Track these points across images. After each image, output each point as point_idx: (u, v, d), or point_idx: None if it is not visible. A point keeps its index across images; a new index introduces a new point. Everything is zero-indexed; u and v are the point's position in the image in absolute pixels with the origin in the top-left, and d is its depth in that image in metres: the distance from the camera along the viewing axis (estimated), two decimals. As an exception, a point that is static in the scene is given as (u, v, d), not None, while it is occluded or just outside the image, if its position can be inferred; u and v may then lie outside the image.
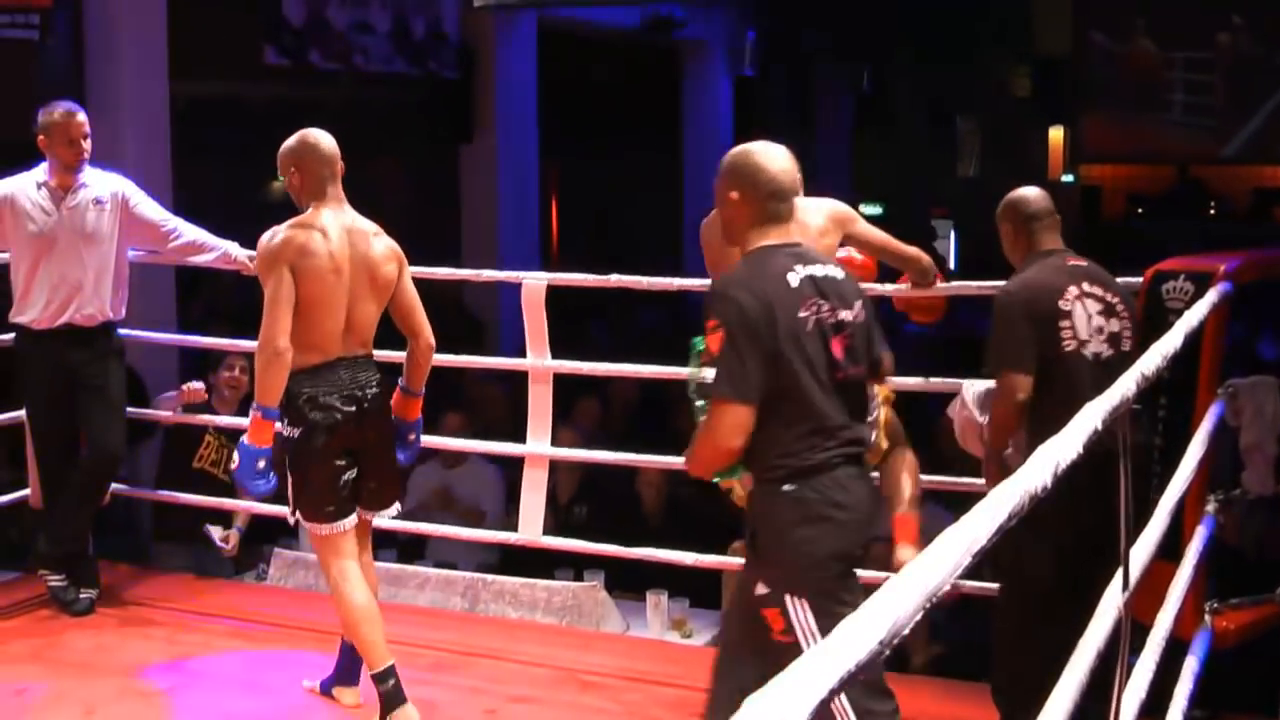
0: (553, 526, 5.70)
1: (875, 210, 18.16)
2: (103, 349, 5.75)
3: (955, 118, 20.15)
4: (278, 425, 4.46)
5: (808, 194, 4.10)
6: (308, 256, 4.45)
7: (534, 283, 5.65)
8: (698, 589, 6.24)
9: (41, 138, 5.66)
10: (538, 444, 5.72)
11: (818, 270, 3.60)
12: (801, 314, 3.51)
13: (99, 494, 5.84)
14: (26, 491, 6.16)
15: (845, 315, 3.61)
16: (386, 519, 4.81)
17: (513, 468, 6.56)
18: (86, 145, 5.68)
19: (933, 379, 5.14)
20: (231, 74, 11.38)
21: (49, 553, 5.89)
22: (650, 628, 6.11)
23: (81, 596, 5.85)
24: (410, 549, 7.09)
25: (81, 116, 5.67)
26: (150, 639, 5.50)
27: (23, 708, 4.94)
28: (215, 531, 6.42)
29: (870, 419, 3.85)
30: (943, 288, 5.03)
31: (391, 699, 4.51)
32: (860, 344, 3.66)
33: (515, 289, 5.72)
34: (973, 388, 4.63)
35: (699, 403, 3.71)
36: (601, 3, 14.66)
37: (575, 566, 6.51)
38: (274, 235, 4.50)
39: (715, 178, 3.71)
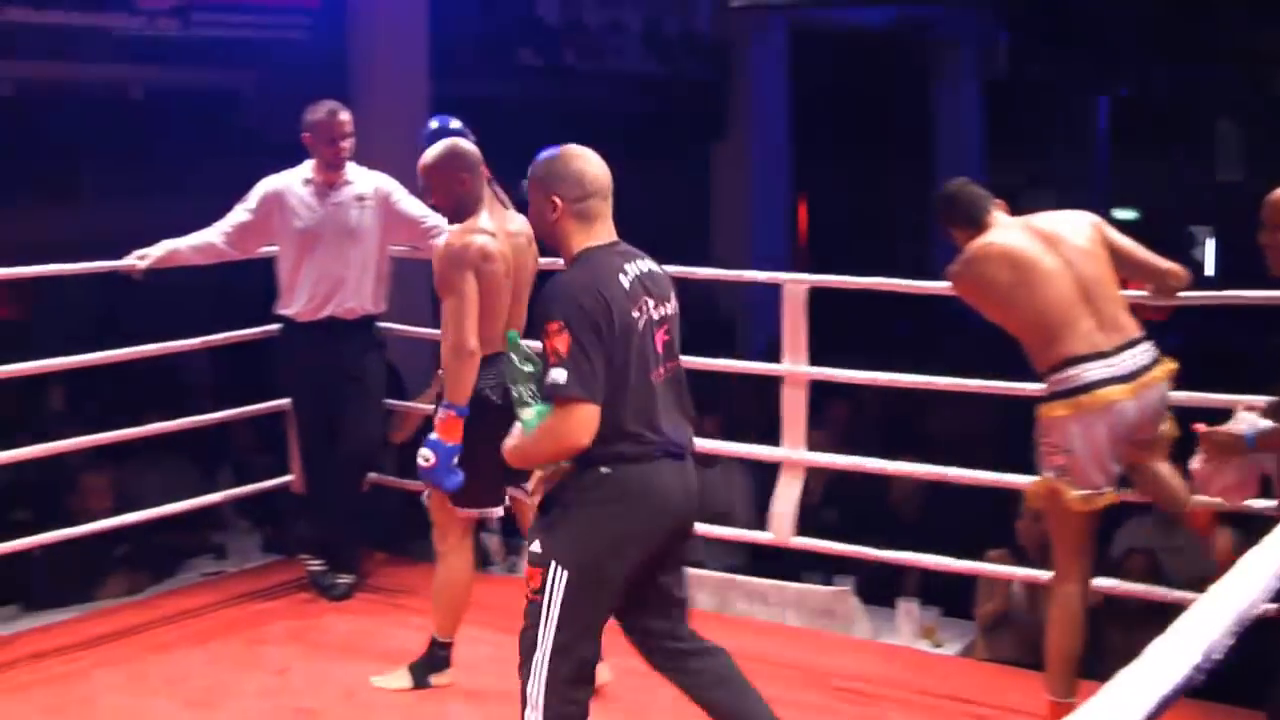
0: (801, 529, 5.63)
1: (1131, 216, 17.69)
2: (363, 342, 5.87)
3: (1216, 120, 19.50)
4: (436, 447, 4.65)
5: (1060, 203, 3.99)
6: (489, 261, 4.67)
7: (795, 285, 5.58)
8: (950, 598, 6.13)
9: (307, 135, 5.81)
10: (793, 449, 5.66)
11: (643, 267, 3.68)
12: (634, 314, 3.59)
13: (358, 482, 5.97)
14: (289, 477, 6.34)
15: (666, 310, 3.71)
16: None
17: (761, 469, 6.53)
18: (349, 144, 5.80)
19: (1193, 394, 4.86)
20: (487, 74, 11.54)
21: (309, 538, 6.06)
22: (900, 635, 6.03)
23: (340, 582, 5.99)
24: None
25: (345, 115, 5.80)
26: (407, 626, 5.60)
27: (285, 688, 5.08)
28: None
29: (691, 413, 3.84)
30: (1189, 297, 4.77)
31: (439, 664, 4.99)
32: (676, 337, 3.76)
33: (765, 291, 5.68)
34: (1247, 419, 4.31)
35: (527, 397, 3.68)
36: (854, 4, 14.53)
37: (824, 570, 6.46)
38: (457, 243, 4.67)
39: (529, 185, 3.72)
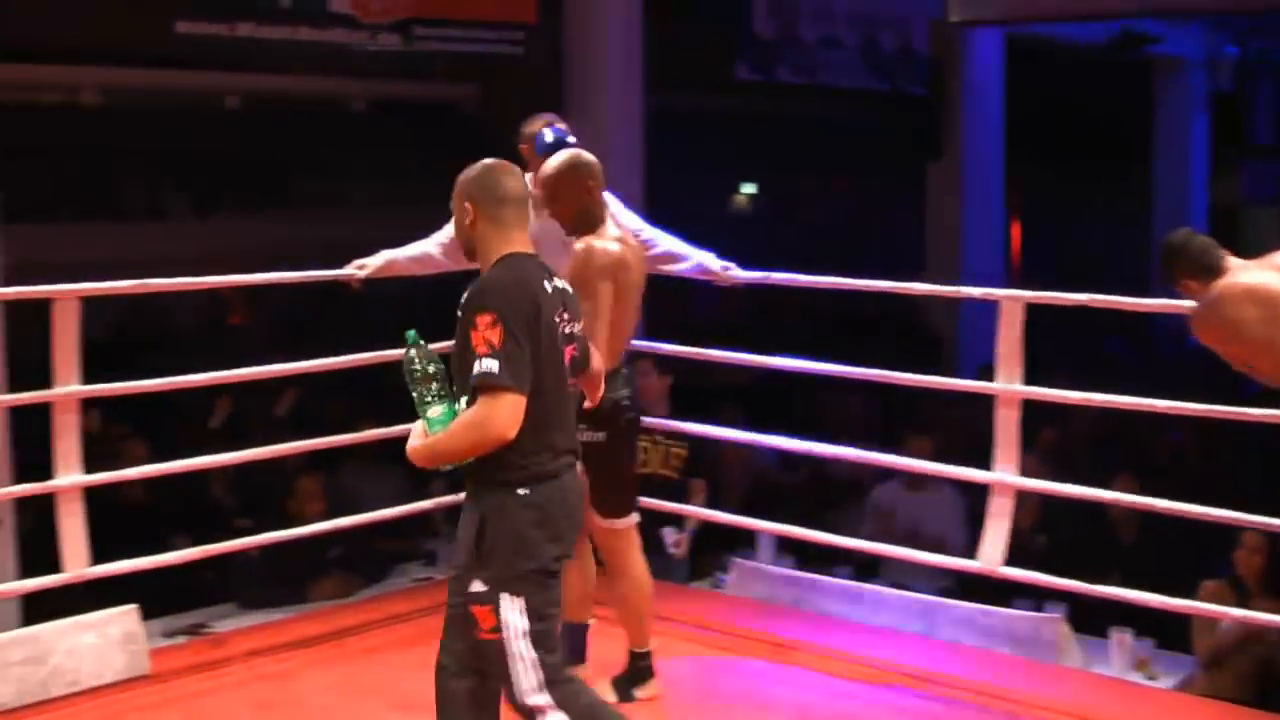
0: (1011, 554, 5.50)
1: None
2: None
3: None
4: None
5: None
6: (624, 270, 4.74)
7: (1013, 301, 5.48)
8: (1165, 629, 5.96)
9: (524, 147, 5.85)
10: (1005, 473, 5.53)
11: (558, 284, 3.76)
12: (555, 320, 3.68)
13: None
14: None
15: (575, 328, 3.79)
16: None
17: (971, 491, 6.42)
18: (564, 155, 5.84)
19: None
20: (703, 87, 11.57)
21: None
22: (1112, 666, 5.88)
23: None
24: (864, 568, 7.03)
25: (562, 127, 5.84)
26: (610, 637, 5.60)
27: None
28: (668, 534, 6.52)
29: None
30: None
31: (642, 675, 5.01)
32: (581, 357, 3.85)
33: (976, 308, 5.56)
34: None
35: (429, 397, 3.67)
36: (1075, 19, 14.26)
37: (1034, 596, 6.32)
38: (599, 248, 4.71)
39: (453, 197, 3.78)
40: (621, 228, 4.96)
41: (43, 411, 5.16)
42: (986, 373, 5.79)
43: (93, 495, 5.30)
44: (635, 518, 4.98)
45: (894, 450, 6.11)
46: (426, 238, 5.87)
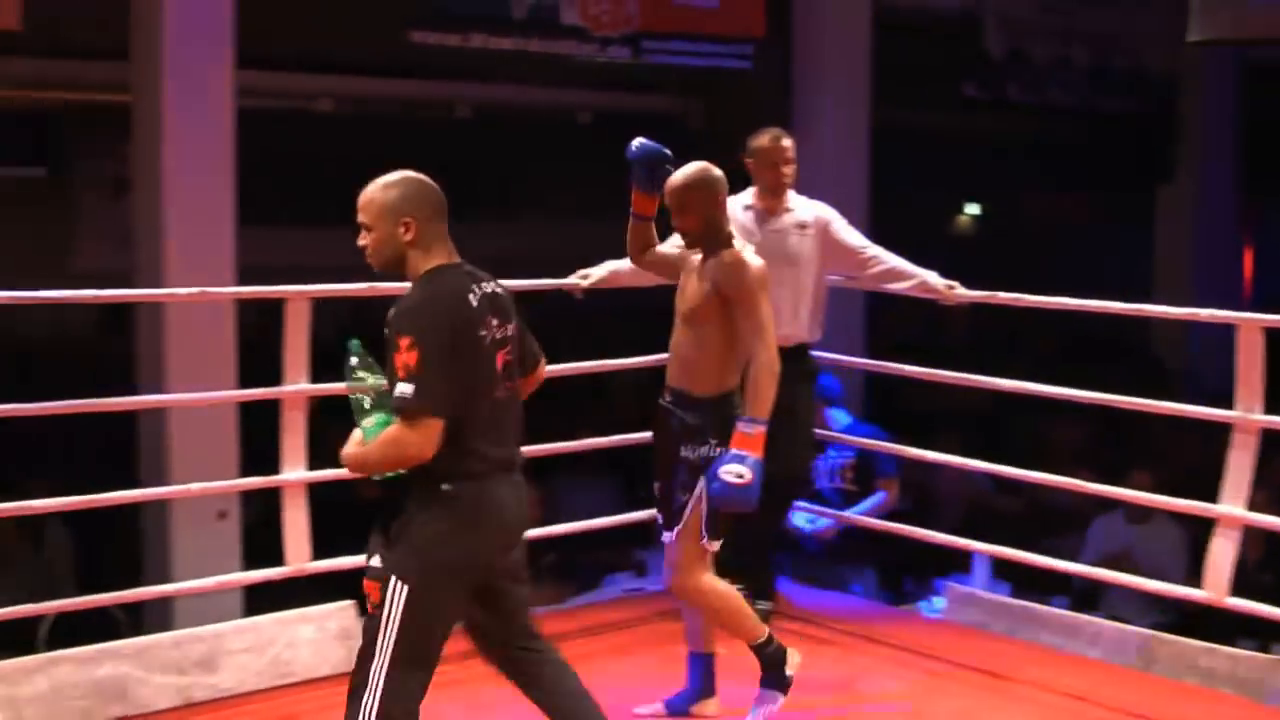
0: (1235, 590, 5.32)
1: None
2: (795, 371, 5.84)
3: None
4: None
5: None
6: (764, 286, 4.61)
7: (1251, 324, 5.25)
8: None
9: (750, 161, 5.85)
10: (1232, 505, 5.35)
11: (488, 288, 3.77)
12: (481, 333, 3.69)
13: (782, 511, 5.97)
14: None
15: (508, 331, 3.80)
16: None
17: (1198, 525, 6.23)
18: (791, 170, 5.82)
19: None
20: (929, 104, 11.45)
21: (730, 562, 6.06)
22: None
23: (757, 607, 5.96)
24: (1081, 599, 6.88)
25: (788, 142, 5.82)
26: (820, 657, 5.57)
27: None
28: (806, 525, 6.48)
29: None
30: None
31: (780, 654, 4.78)
32: (516, 358, 3.85)
33: (1207, 332, 5.39)
34: None
35: (367, 405, 3.73)
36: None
37: (1259, 637, 6.11)
38: (753, 262, 4.58)
39: (373, 211, 3.76)
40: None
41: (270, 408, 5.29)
42: (1215, 403, 5.60)
43: (324, 491, 5.42)
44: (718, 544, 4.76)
45: (1116, 481, 5.95)
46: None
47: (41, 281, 4.58)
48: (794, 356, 5.82)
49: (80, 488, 5.07)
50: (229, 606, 6.19)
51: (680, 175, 4.68)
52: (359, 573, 5.46)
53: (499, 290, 3.82)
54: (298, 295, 5.20)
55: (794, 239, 5.81)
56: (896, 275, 5.91)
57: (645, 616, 6.13)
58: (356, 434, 3.76)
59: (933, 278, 5.87)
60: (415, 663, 3.70)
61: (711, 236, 4.64)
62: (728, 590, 4.76)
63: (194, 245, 6.83)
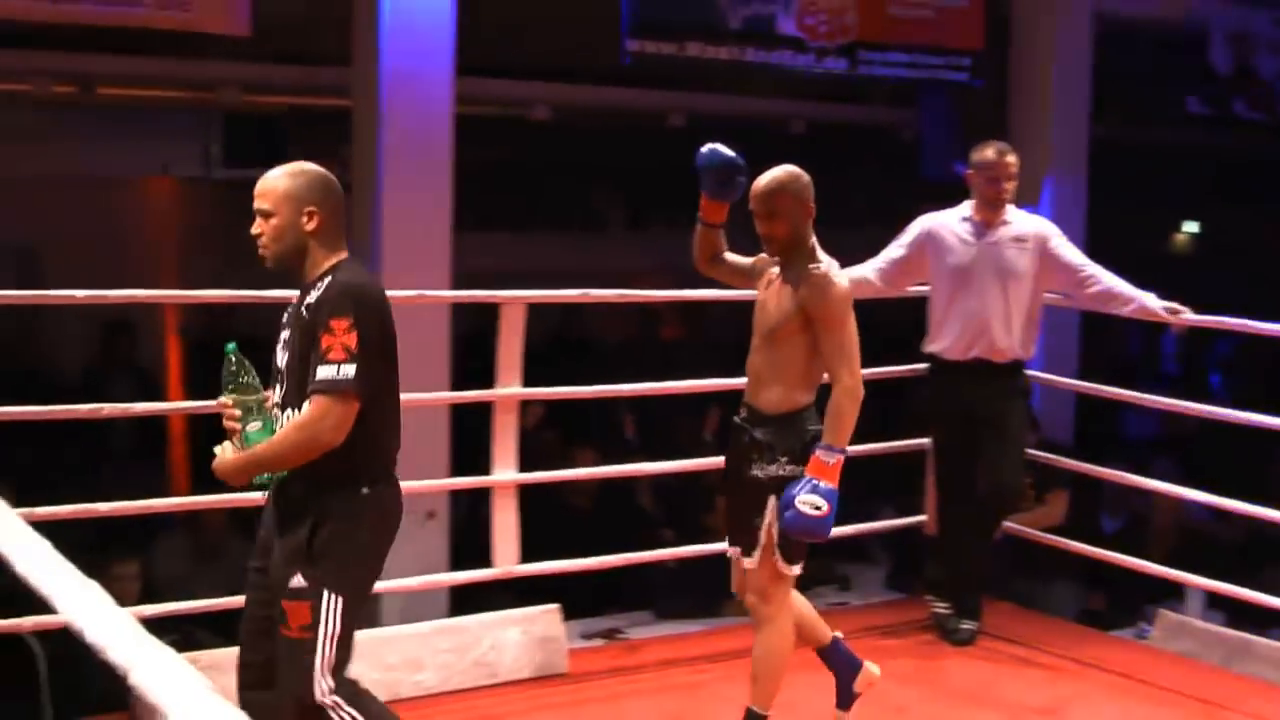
0: None
1: None
2: (1007, 386, 5.77)
3: None
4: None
5: None
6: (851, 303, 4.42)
7: None
8: None
9: (970, 173, 5.78)
10: None
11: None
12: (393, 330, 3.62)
13: (991, 528, 5.88)
14: (922, 517, 6.32)
15: None
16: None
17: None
18: (1012, 185, 5.74)
19: None
20: (1151, 120, 11.19)
21: (937, 579, 6.00)
22: None
23: (963, 627, 5.90)
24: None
25: (1012, 158, 5.74)
26: (1027, 680, 5.47)
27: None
28: None
29: None
30: None
31: None
32: None
33: None
34: None
35: (253, 414, 3.58)
36: None
37: None
38: (839, 279, 4.36)
39: (270, 199, 3.63)
40: None
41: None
42: None
43: (537, 496, 5.47)
44: (799, 569, 4.48)
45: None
46: (864, 263, 5.83)
47: (266, 280, 4.67)
48: (1006, 372, 5.74)
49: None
50: (435, 606, 6.26)
51: (769, 178, 4.44)
52: (564, 577, 5.56)
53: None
54: (513, 300, 5.25)
55: (1011, 253, 5.71)
56: (1114, 297, 5.77)
57: (849, 631, 6.04)
58: (228, 444, 3.61)
59: (1151, 301, 5.72)
60: (344, 665, 3.62)
61: (796, 246, 4.40)
62: (791, 643, 4.54)
63: (411, 248, 6.93)
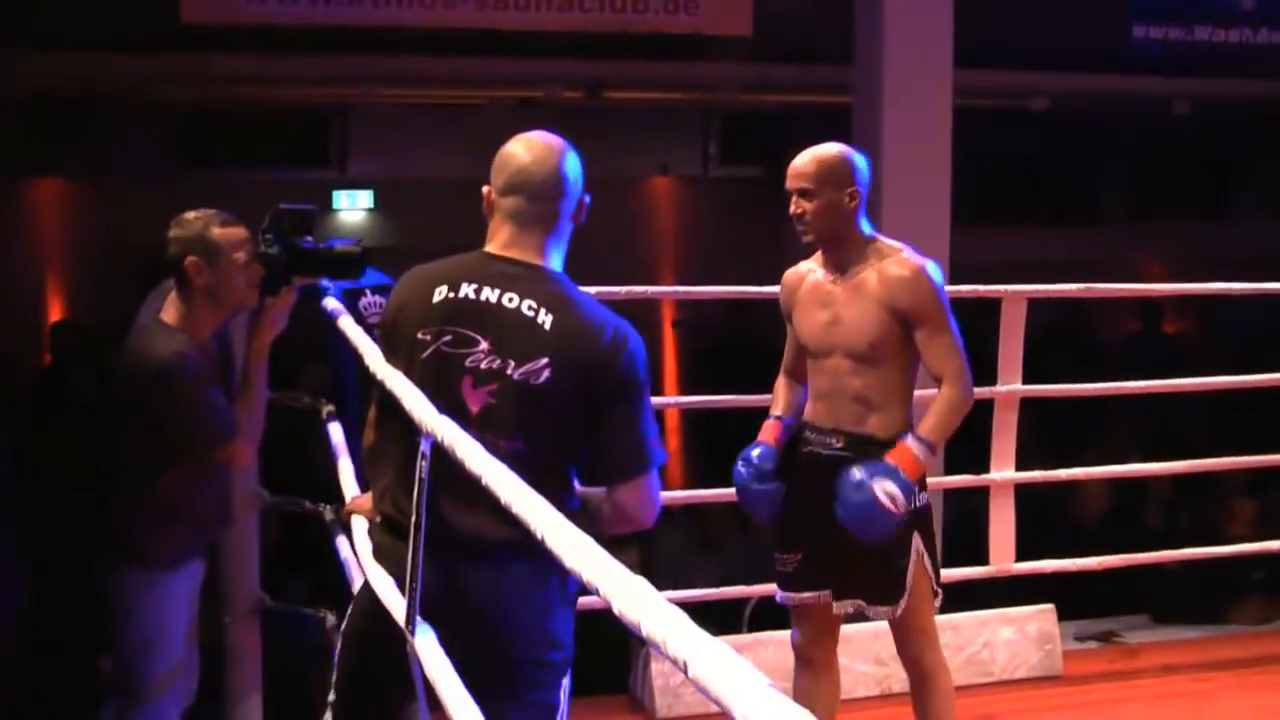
0: None
1: None
2: None
3: None
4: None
5: None
6: None
7: None
8: None
9: None
10: None
11: (495, 295, 2.81)
12: (421, 335, 2.83)
13: None
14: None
15: (499, 364, 2.78)
16: None
17: None
18: None
19: None
20: None
21: None
22: None
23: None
24: None
25: None
26: None
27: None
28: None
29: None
30: None
31: None
32: (515, 412, 2.76)
33: None
34: None
35: None
36: None
37: None
38: (934, 269, 3.76)
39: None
40: None
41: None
42: None
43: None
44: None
45: None
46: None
47: (760, 278, 4.75)
48: None
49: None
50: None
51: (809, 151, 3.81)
52: (1057, 576, 5.46)
53: (526, 310, 2.80)
54: (1015, 295, 5.18)
55: None
56: None
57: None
58: None
59: None
60: None
61: (845, 238, 3.80)
62: (950, 682, 3.99)
63: (911, 242, 6.93)
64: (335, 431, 4.28)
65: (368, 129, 10.15)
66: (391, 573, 2.77)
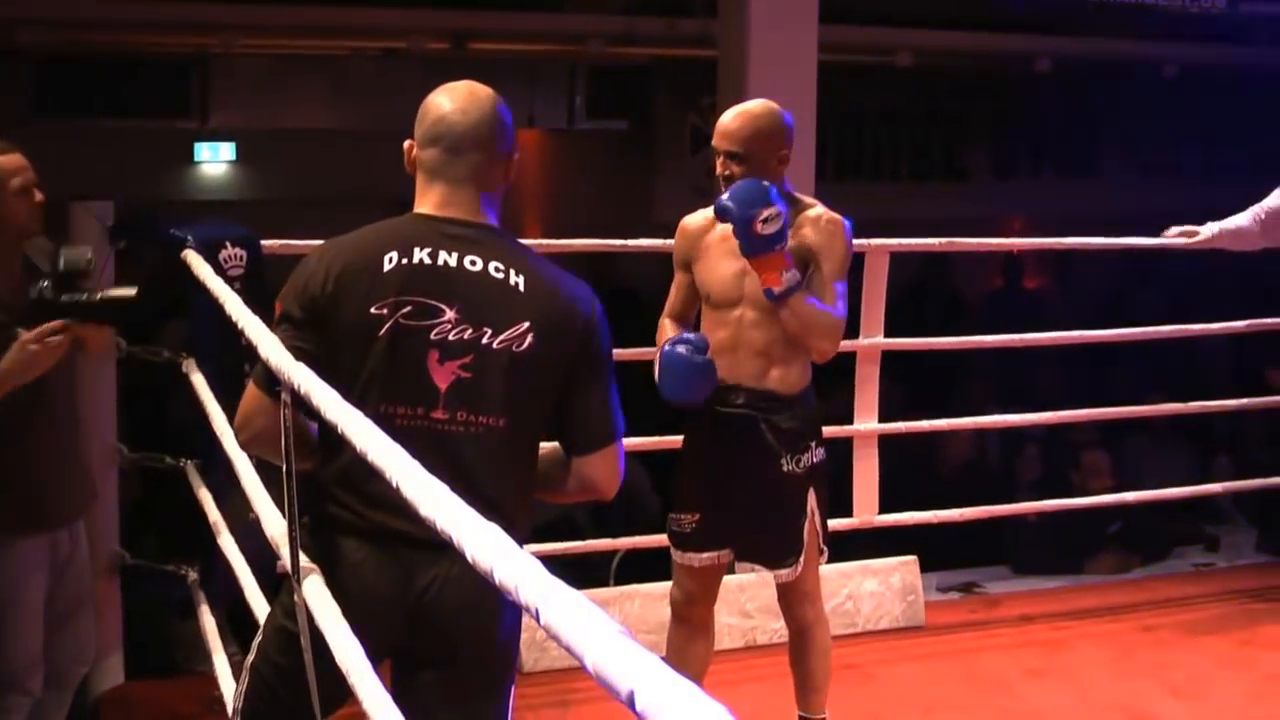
0: None
1: None
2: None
3: None
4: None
5: None
6: None
7: None
8: None
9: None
10: None
11: (456, 259, 2.56)
12: (375, 310, 2.53)
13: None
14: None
15: (472, 333, 2.55)
16: None
17: None
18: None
19: None
20: None
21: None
22: None
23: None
24: None
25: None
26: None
27: (1275, 695, 4.86)
28: None
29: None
30: None
31: None
32: (495, 385, 2.55)
33: None
34: None
35: None
36: None
37: None
38: (849, 226, 3.78)
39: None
40: None
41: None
42: None
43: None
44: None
45: None
46: (1244, 211, 5.57)
47: (626, 231, 4.73)
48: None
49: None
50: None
51: (738, 113, 3.78)
52: (920, 528, 5.52)
53: (500, 273, 2.60)
54: (877, 249, 5.20)
55: None
56: None
57: (1215, 594, 5.88)
58: None
59: None
60: None
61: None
62: (829, 639, 4.05)
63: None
64: (199, 384, 4.18)
65: (230, 79, 9.96)
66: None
